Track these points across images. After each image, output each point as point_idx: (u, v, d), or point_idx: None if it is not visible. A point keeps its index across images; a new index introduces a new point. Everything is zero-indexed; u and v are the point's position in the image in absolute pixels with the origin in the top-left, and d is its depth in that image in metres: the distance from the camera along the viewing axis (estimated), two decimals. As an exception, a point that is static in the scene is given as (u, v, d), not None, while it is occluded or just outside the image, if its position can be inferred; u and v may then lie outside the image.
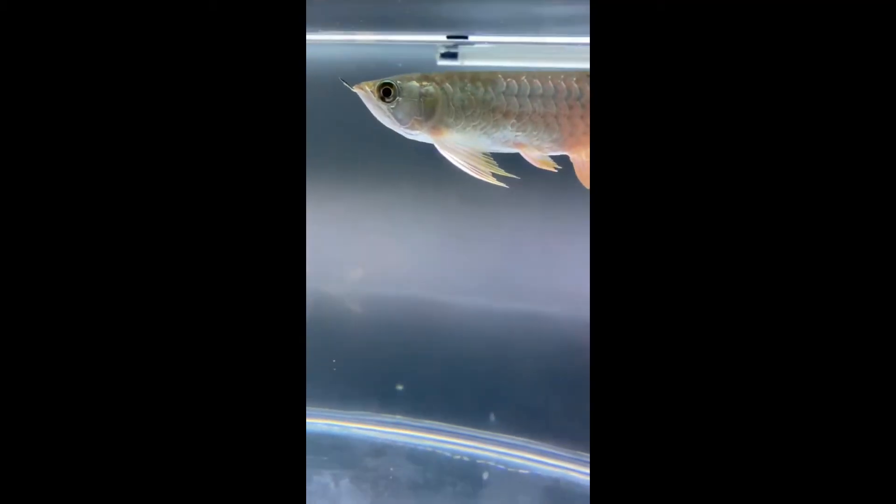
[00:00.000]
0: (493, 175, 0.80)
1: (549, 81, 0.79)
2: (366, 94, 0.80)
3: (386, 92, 0.78)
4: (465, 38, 1.04)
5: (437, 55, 1.12)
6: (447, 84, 0.79)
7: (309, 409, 1.30)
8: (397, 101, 0.78)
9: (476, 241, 1.26)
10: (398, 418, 1.30)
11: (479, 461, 1.23)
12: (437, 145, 0.81)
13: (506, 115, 0.78)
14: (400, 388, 1.29)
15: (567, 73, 0.80)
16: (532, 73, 0.80)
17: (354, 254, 1.32)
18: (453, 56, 1.12)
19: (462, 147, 0.80)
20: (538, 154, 0.80)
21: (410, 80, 0.79)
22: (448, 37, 1.05)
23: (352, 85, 0.80)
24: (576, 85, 0.79)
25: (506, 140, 0.80)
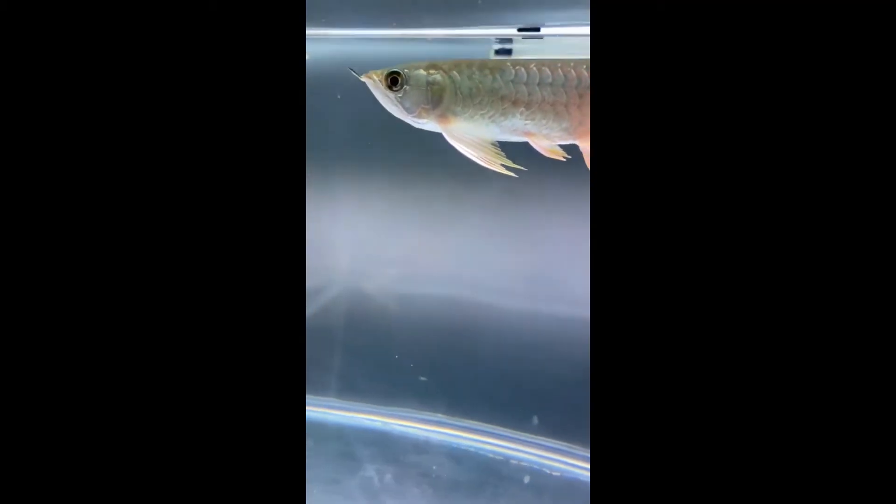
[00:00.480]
0: (503, 166, 0.78)
1: (559, 69, 0.77)
2: (374, 82, 0.79)
3: (393, 80, 0.77)
4: (537, 30, 1.03)
5: (491, 51, 1.12)
6: (455, 72, 0.77)
7: (352, 404, 1.34)
8: (405, 90, 0.77)
9: (518, 242, 1.25)
10: (439, 416, 1.31)
11: (512, 461, 1.23)
12: (445, 134, 0.80)
13: (514, 103, 0.77)
14: (423, 379, 1.31)
15: (577, 61, 0.78)
16: (541, 61, 0.78)
17: (394, 252, 1.33)
18: (507, 52, 1.11)
19: (470, 136, 0.78)
20: (547, 143, 0.79)
21: (418, 68, 0.78)
22: (519, 29, 1.04)
23: (360, 74, 0.80)
24: (585, 73, 0.77)
25: (515, 129, 0.78)
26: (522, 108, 0.77)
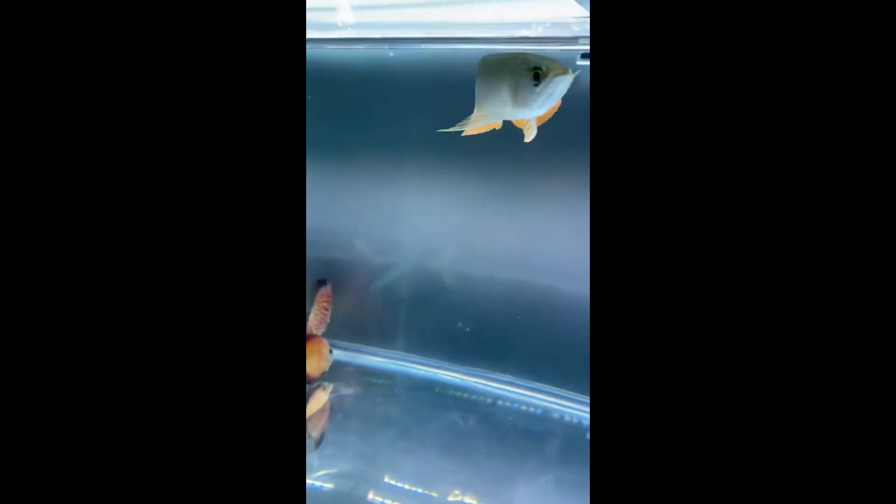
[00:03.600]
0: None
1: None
2: (569, 76, 0.75)
3: (536, 75, 0.75)
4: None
5: (578, 55, 1.15)
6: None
7: (437, 362, 1.51)
8: (543, 84, 0.75)
9: (578, 229, 1.32)
10: (509, 377, 1.47)
11: (584, 422, 1.36)
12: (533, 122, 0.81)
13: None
14: (461, 325, 1.45)
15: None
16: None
17: (477, 237, 1.45)
18: (594, 57, 1.17)
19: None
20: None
21: (534, 61, 0.76)
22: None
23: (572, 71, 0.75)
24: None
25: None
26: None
